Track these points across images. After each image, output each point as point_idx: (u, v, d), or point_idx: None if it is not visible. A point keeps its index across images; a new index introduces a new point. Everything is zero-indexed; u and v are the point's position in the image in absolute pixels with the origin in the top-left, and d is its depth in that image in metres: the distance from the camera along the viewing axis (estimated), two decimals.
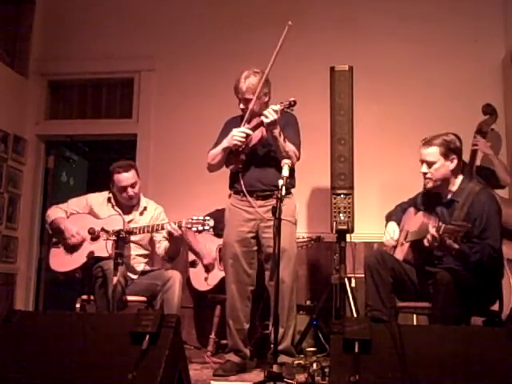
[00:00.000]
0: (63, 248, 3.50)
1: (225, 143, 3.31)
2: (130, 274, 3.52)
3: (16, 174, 5.12)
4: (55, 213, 3.58)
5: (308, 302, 4.36)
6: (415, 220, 3.15)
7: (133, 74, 5.27)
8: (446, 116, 4.53)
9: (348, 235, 3.97)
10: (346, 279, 3.86)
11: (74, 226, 3.48)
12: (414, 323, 3.87)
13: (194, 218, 3.27)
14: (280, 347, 3.16)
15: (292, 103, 3.16)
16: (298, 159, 3.34)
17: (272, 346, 2.84)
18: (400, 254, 3.16)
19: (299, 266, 4.10)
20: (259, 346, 3.82)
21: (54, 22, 5.40)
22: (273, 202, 3.20)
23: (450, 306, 2.75)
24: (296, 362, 3.33)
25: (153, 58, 5.20)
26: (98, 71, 5.29)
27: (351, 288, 3.83)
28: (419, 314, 3.55)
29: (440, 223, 2.77)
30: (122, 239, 3.20)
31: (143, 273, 3.62)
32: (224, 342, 4.07)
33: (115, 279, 3.07)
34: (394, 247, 3.24)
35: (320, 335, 3.96)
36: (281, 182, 2.83)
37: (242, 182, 3.30)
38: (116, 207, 3.62)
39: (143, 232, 3.40)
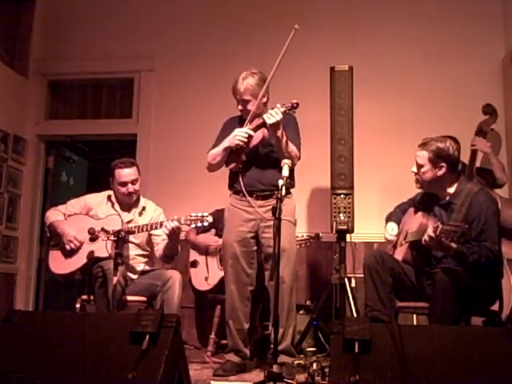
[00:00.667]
0: (62, 250, 3.49)
1: (226, 143, 3.30)
2: (129, 274, 3.52)
3: (16, 174, 5.12)
4: (53, 215, 3.58)
5: (308, 302, 4.37)
6: (414, 220, 3.16)
7: (133, 74, 5.27)
8: (446, 116, 4.54)
9: (348, 235, 3.97)
10: (345, 279, 3.86)
11: (72, 228, 3.48)
12: (414, 323, 3.87)
13: (193, 214, 3.27)
14: (280, 347, 3.15)
15: (295, 105, 3.17)
16: (299, 159, 3.34)
17: (272, 346, 2.83)
18: (399, 255, 3.16)
19: (299, 266, 4.11)
20: (259, 346, 3.82)
21: (54, 22, 5.40)
22: (272, 202, 3.20)
23: (448, 306, 2.75)
24: (296, 362, 3.33)
25: (153, 57, 5.19)
26: (97, 71, 5.28)
27: (351, 288, 3.83)
28: (419, 313, 3.55)
29: (438, 224, 2.77)
30: (121, 239, 3.20)
31: (143, 273, 3.62)
32: (224, 342, 4.07)
33: (115, 279, 3.07)
34: (394, 247, 3.25)
35: (320, 335, 3.96)
36: (281, 182, 2.83)
37: (241, 182, 3.30)
38: (116, 206, 3.61)
39: (142, 230, 3.39)
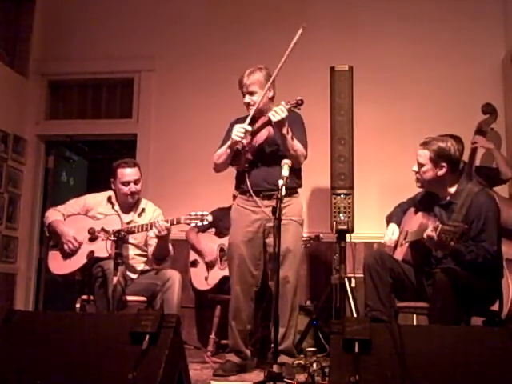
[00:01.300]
0: (61, 251, 3.49)
1: (229, 142, 3.30)
2: (129, 274, 3.52)
3: (16, 173, 5.12)
4: (52, 215, 3.57)
5: (308, 302, 4.37)
6: (415, 220, 3.15)
7: (133, 74, 5.27)
8: (446, 116, 4.54)
9: (348, 235, 3.97)
10: (345, 279, 3.86)
11: (71, 228, 3.47)
12: (414, 323, 3.87)
13: (193, 213, 3.27)
14: (281, 347, 3.16)
15: (299, 102, 3.15)
16: (305, 158, 3.34)
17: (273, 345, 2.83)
18: (399, 255, 3.16)
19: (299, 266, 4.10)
20: (260, 345, 3.82)
21: (54, 22, 5.40)
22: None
23: (449, 306, 2.74)
24: (296, 362, 3.32)
25: (153, 57, 5.20)
26: (98, 71, 5.29)
27: (351, 288, 3.83)
28: (419, 314, 3.55)
29: (438, 224, 2.77)
30: (121, 239, 3.20)
31: (143, 273, 3.62)
32: (224, 341, 4.07)
33: (115, 279, 3.07)
34: (394, 247, 3.24)
35: (320, 335, 3.96)
36: (281, 182, 2.82)
37: (248, 182, 3.28)
38: (116, 207, 3.61)
39: (142, 230, 3.39)
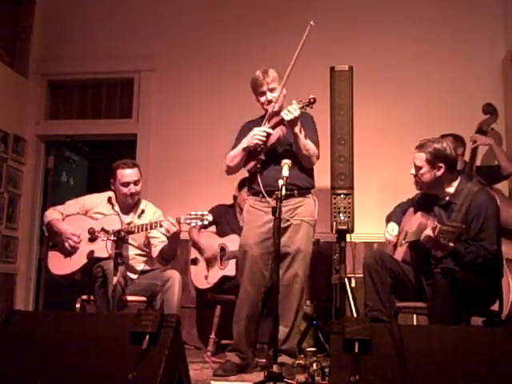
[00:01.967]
0: (61, 251, 3.49)
1: (244, 143, 3.26)
2: (129, 274, 3.52)
3: (16, 174, 5.12)
4: (51, 214, 3.57)
5: (308, 303, 4.36)
6: (414, 220, 3.16)
7: (133, 74, 5.27)
8: (446, 116, 4.54)
9: (348, 235, 3.96)
10: (345, 279, 3.86)
11: (70, 227, 3.47)
12: (414, 323, 3.87)
13: (193, 213, 3.27)
14: (284, 346, 3.17)
15: (311, 101, 3.13)
16: (318, 158, 3.34)
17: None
18: (399, 255, 3.16)
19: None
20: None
21: (54, 22, 5.40)
22: (292, 201, 3.22)
23: (448, 306, 2.74)
24: (296, 362, 3.32)
25: (153, 57, 5.20)
26: (98, 71, 5.29)
27: (351, 288, 3.83)
28: (419, 314, 3.55)
29: (436, 224, 2.77)
30: (121, 239, 3.19)
31: (143, 273, 3.61)
32: (224, 341, 4.07)
33: (115, 279, 3.06)
34: (394, 247, 3.25)
35: (320, 335, 3.96)
36: (281, 182, 2.81)
37: (260, 183, 3.25)
38: (116, 208, 3.61)
39: (142, 230, 3.39)
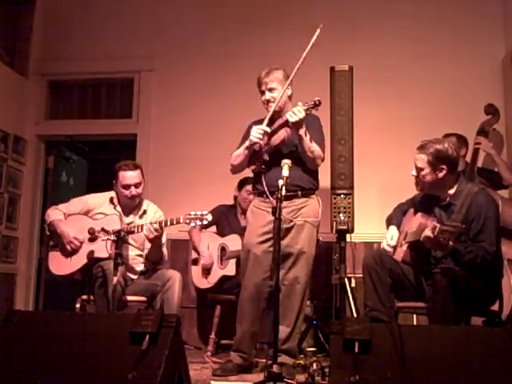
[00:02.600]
0: (62, 251, 3.48)
1: (246, 143, 3.28)
2: (129, 274, 3.52)
3: (16, 174, 5.12)
4: (53, 214, 3.56)
5: (308, 303, 4.36)
6: (414, 221, 3.15)
7: (133, 74, 5.27)
8: (446, 116, 4.54)
9: (348, 235, 3.96)
10: (345, 279, 3.86)
11: (71, 228, 3.47)
12: (414, 323, 3.87)
13: (192, 213, 3.27)
14: (285, 346, 3.17)
15: (317, 103, 3.12)
16: (323, 160, 3.34)
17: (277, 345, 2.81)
18: (399, 255, 3.16)
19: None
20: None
21: (54, 21, 5.40)
22: (296, 202, 3.23)
23: (449, 306, 2.74)
24: (296, 362, 3.32)
25: (153, 57, 5.20)
26: (98, 71, 5.29)
27: (351, 288, 3.83)
28: (419, 314, 3.55)
29: (436, 224, 2.77)
30: (121, 239, 3.19)
31: (143, 273, 3.61)
32: (224, 341, 4.07)
33: (115, 279, 3.07)
34: (394, 248, 3.24)
35: (320, 335, 3.96)
36: (281, 182, 2.81)
37: (264, 183, 3.26)
38: (117, 208, 3.61)
39: (142, 230, 3.39)
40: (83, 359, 2.10)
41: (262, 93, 3.35)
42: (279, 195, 2.78)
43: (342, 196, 3.96)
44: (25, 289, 5.14)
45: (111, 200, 3.62)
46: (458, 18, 4.78)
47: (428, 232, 2.77)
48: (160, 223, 3.35)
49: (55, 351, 2.14)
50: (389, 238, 3.20)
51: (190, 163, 4.90)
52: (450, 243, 2.73)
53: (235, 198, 4.43)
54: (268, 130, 3.21)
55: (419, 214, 3.14)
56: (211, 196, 4.50)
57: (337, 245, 4.00)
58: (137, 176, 3.58)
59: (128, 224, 3.49)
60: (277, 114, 3.29)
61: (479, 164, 4.20)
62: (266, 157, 3.26)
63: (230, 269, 4.10)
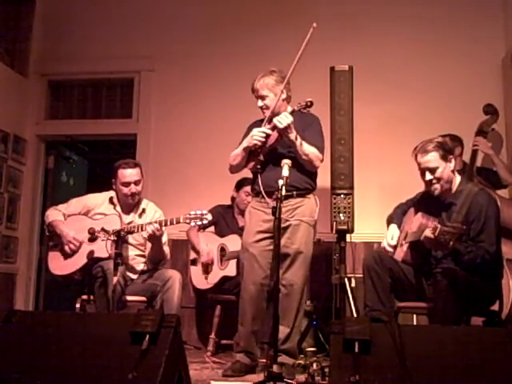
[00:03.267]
0: (61, 251, 3.48)
1: (244, 143, 3.29)
2: (129, 274, 3.52)
3: (16, 173, 5.12)
4: (53, 215, 3.57)
5: (308, 303, 4.36)
6: (415, 221, 3.15)
7: (133, 74, 5.27)
8: (446, 116, 4.54)
9: (348, 235, 3.95)
10: (345, 279, 3.85)
11: (71, 228, 3.47)
12: (414, 323, 3.87)
13: (192, 212, 3.27)
14: (284, 346, 3.17)
15: (308, 104, 3.17)
16: (322, 161, 3.35)
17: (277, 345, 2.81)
18: (399, 255, 3.16)
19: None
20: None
21: (54, 21, 5.40)
22: (292, 202, 3.23)
23: (449, 306, 2.74)
24: (296, 362, 3.32)
25: (153, 57, 5.20)
26: (97, 71, 5.29)
27: (351, 288, 3.82)
28: (419, 313, 3.55)
29: (436, 224, 2.77)
30: (121, 239, 3.19)
31: (143, 273, 3.61)
32: (224, 341, 4.08)
33: (115, 279, 3.07)
34: (395, 247, 3.24)
35: (320, 335, 3.96)
36: (281, 182, 2.81)
37: (260, 183, 3.28)
38: (117, 208, 3.61)
39: (142, 230, 3.39)
40: (83, 359, 2.10)
41: (256, 99, 3.37)
42: (279, 195, 2.78)
43: (342, 196, 3.95)
44: (25, 289, 5.14)
45: (111, 200, 3.63)
46: (458, 17, 4.78)
47: (428, 232, 2.77)
48: (160, 223, 3.35)
49: (55, 351, 2.15)
50: (389, 237, 3.20)
51: (190, 163, 4.90)
52: (451, 244, 2.73)
53: (233, 198, 4.43)
54: (270, 132, 3.23)
55: (419, 214, 3.14)
56: (211, 196, 4.50)
57: (337, 245, 3.99)
58: (136, 174, 3.58)
59: (128, 223, 3.50)
60: (275, 115, 3.28)
61: (478, 164, 4.20)
62: (261, 157, 3.28)
63: (231, 269, 4.10)
